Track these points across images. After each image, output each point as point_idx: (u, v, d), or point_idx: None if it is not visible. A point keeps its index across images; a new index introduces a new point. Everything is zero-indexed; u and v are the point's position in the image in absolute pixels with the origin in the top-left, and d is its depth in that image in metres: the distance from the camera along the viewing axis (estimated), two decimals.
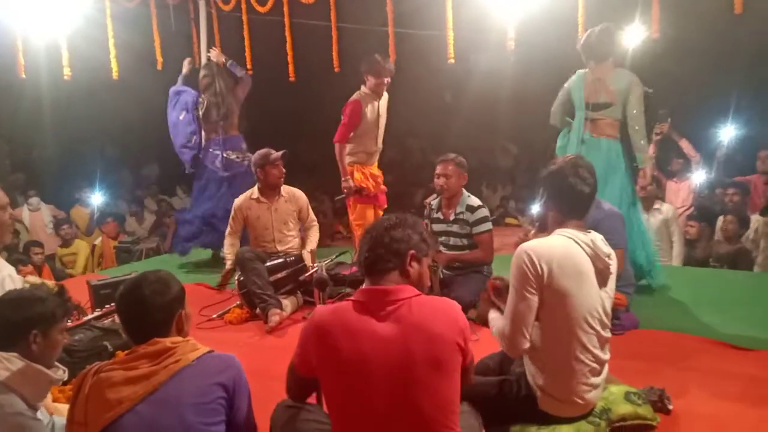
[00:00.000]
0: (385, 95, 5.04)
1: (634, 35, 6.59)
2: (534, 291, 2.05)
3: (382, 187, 5.18)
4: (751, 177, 6.06)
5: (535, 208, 4.58)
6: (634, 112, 3.87)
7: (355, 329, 1.69)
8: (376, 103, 4.95)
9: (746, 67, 6.55)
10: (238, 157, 5.80)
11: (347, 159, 4.97)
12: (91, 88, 6.88)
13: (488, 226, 4.04)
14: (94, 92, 7.51)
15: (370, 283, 1.80)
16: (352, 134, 4.92)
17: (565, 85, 4.18)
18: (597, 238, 2.18)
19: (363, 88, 4.91)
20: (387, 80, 4.87)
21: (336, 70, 5.54)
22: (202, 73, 5.78)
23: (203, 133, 5.87)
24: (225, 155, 5.76)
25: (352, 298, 1.79)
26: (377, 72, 4.80)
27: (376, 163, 5.20)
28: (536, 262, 2.04)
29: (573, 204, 2.20)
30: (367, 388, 1.66)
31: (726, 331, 3.43)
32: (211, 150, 5.80)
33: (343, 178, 4.94)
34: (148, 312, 1.77)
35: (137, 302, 1.78)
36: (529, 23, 4.49)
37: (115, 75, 5.64)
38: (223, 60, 5.84)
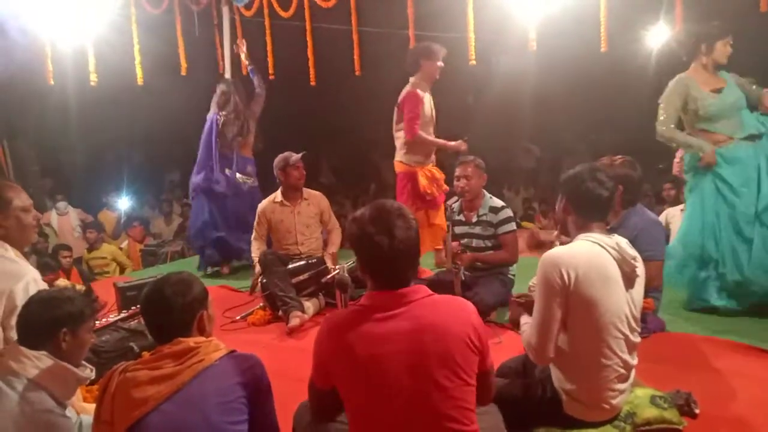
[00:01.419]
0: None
1: (658, 34, 6.52)
2: (560, 300, 2.04)
3: (444, 187, 4.86)
4: None
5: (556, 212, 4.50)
6: None
7: (368, 333, 1.67)
8: (429, 94, 4.73)
9: None
10: (245, 181, 5.76)
11: (409, 160, 4.71)
12: (117, 94, 6.99)
13: (513, 226, 4.02)
14: (120, 98, 7.65)
15: (378, 287, 1.74)
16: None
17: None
18: (622, 241, 2.16)
19: (413, 79, 4.66)
20: (440, 64, 4.63)
21: (357, 73, 5.57)
22: (219, 89, 5.71)
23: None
24: (241, 178, 5.72)
25: (362, 302, 1.75)
26: (429, 54, 4.57)
27: (434, 162, 4.91)
28: (562, 271, 2.03)
29: (592, 208, 2.19)
30: (384, 389, 1.65)
31: (753, 333, 3.37)
32: (218, 168, 5.69)
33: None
34: (169, 312, 1.80)
35: (159, 302, 1.81)
36: (550, 24, 4.47)
37: (139, 81, 5.72)
38: (248, 59, 5.84)
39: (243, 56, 5.89)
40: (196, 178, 5.73)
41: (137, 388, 1.71)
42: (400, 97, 4.67)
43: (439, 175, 4.84)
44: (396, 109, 4.75)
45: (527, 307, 2.27)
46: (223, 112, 5.65)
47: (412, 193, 4.72)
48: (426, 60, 4.58)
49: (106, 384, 1.77)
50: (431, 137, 4.70)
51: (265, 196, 4.78)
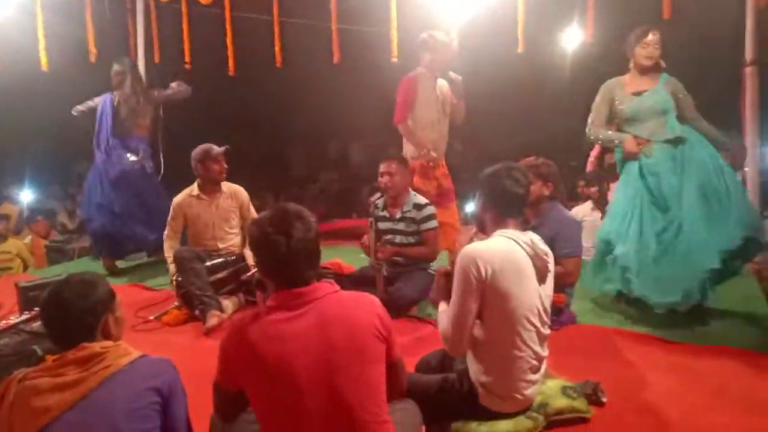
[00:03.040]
0: (444, 84, 4.54)
1: (571, 39, 6.81)
2: (476, 294, 2.10)
3: (447, 186, 4.60)
4: None
5: (472, 209, 4.58)
6: None
7: (275, 333, 1.67)
8: (434, 84, 4.50)
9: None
10: (139, 158, 5.53)
11: (410, 154, 4.45)
12: (22, 80, 6.56)
13: (435, 223, 4.07)
14: (25, 85, 7.16)
15: (280, 287, 1.75)
16: (409, 121, 4.45)
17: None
18: (535, 237, 2.24)
19: (418, 69, 4.50)
20: (444, 56, 4.43)
21: (278, 65, 5.48)
22: (114, 69, 5.48)
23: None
24: (128, 156, 5.49)
25: (267, 303, 1.75)
26: (431, 47, 4.40)
27: (441, 159, 4.61)
28: (480, 266, 2.08)
29: (508, 204, 2.27)
30: (294, 387, 1.64)
31: (658, 324, 3.56)
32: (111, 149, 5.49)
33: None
34: (70, 316, 1.70)
35: (58, 307, 1.71)
36: (471, 23, 4.55)
37: (44, 66, 5.39)
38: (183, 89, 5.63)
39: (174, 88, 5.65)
40: (96, 158, 5.53)
41: (38, 396, 1.61)
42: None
43: (441, 171, 4.57)
44: None
45: (448, 283, 2.27)
46: (117, 92, 5.44)
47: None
48: (428, 53, 4.42)
49: (3, 393, 1.66)
50: (408, 134, 4.48)
51: (170, 186, 4.57)
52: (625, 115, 3.87)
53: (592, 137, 4.01)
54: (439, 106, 4.52)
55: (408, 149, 4.51)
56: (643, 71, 3.86)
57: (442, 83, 4.52)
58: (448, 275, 2.30)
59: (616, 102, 3.89)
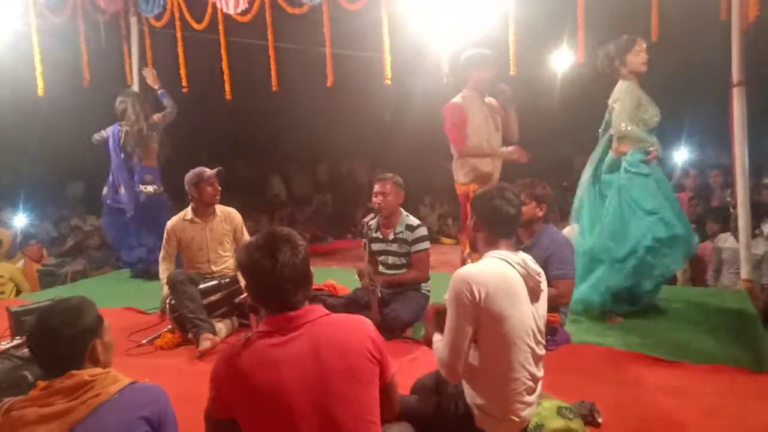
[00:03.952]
0: (491, 100, 4.43)
1: (562, 60, 6.90)
2: (470, 317, 2.10)
3: None
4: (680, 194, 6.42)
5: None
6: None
7: (267, 359, 1.65)
8: (481, 103, 4.37)
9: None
10: (155, 191, 5.86)
11: (463, 179, 4.38)
12: (15, 105, 6.60)
13: (426, 245, 4.07)
14: (18, 110, 7.20)
15: (270, 312, 1.74)
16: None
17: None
18: (527, 257, 2.26)
19: (464, 91, 4.37)
20: (492, 73, 4.32)
21: (274, 89, 5.52)
22: (117, 100, 5.72)
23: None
24: (142, 188, 5.82)
25: (258, 329, 1.74)
26: (477, 63, 4.27)
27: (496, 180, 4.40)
28: (473, 289, 2.09)
29: (500, 224, 2.29)
30: (288, 413, 1.63)
31: (652, 345, 3.57)
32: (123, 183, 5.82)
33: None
34: (57, 344, 1.67)
35: (45, 334, 1.68)
36: (462, 48, 4.61)
37: (40, 92, 5.43)
38: (156, 84, 5.79)
39: (150, 81, 5.81)
40: (106, 197, 5.91)
41: (25, 428, 1.57)
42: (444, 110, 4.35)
43: None
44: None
45: (441, 320, 2.30)
46: (123, 122, 5.67)
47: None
48: (474, 71, 4.31)
49: None
50: (464, 157, 4.35)
51: (176, 208, 4.65)
52: (653, 124, 3.97)
53: (625, 128, 3.94)
54: (490, 125, 4.38)
55: (459, 174, 4.42)
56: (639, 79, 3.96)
57: (489, 100, 4.43)
58: (441, 314, 2.30)
59: (647, 108, 3.95)
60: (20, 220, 8.36)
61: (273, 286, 1.70)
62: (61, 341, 1.67)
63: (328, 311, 1.78)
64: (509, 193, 2.31)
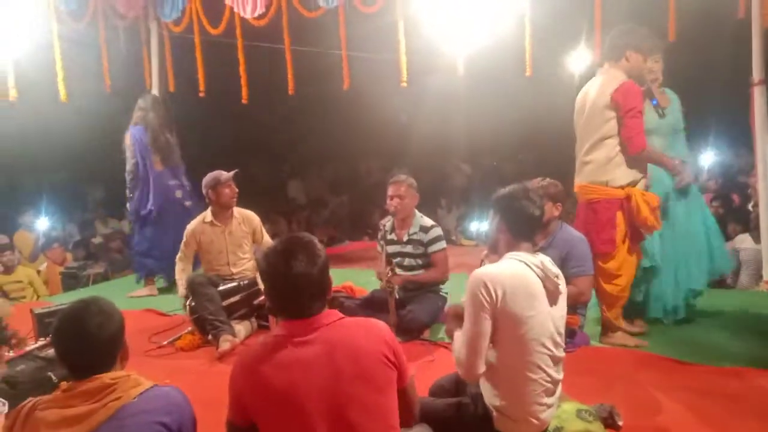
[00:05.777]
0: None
1: (580, 60, 6.86)
2: (488, 317, 2.09)
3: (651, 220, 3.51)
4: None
5: (486, 229, 4.55)
6: None
7: (283, 362, 1.66)
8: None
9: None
10: (178, 193, 5.84)
11: (619, 181, 3.46)
12: (37, 111, 6.71)
13: (443, 244, 4.08)
14: (43, 114, 7.32)
15: (286, 317, 1.75)
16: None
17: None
18: (546, 259, 2.24)
19: (612, 70, 3.47)
20: (658, 66, 3.74)
21: (291, 92, 5.56)
22: (138, 104, 5.68)
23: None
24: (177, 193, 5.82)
25: (274, 332, 1.76)
26: (643, 47, 3.47)
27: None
28: (490, 289, 2.08)
29: (524, 226, 2.26)
30: (304, 416, 1.63)
31: (671, 346, 3.55)
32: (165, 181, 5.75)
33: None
34: (93, 347, 1.65)
35: (81, 337, 1.65)
36: (478, 49, 4.61)
37: (63, 98, 5.51)
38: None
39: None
40: (132, 205, 5.83)
41: (46, 430, 1.58)
42: (615, 93, 3.37)
43: (653, 200, 3.50)
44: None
45: (460, 317, 2.29)
46: (142, 126, 5.64)
47: (627, 224, 3.48)
48: (637, 54, 3.47)
49: (12, 425, 1.63)
50: (658, 157, 3.56)
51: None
52: (649, 126, 3.54)
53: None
54: None
55: (615, 173, 3.46)
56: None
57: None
58: (458, 316, 2.29)
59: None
60: (42, 223, 8.50)
61: (287, 293, 1.71)
62: (98, 344, 1.66)
63: (342, 315, 1.78)
64: (534, 194, 2.28)
